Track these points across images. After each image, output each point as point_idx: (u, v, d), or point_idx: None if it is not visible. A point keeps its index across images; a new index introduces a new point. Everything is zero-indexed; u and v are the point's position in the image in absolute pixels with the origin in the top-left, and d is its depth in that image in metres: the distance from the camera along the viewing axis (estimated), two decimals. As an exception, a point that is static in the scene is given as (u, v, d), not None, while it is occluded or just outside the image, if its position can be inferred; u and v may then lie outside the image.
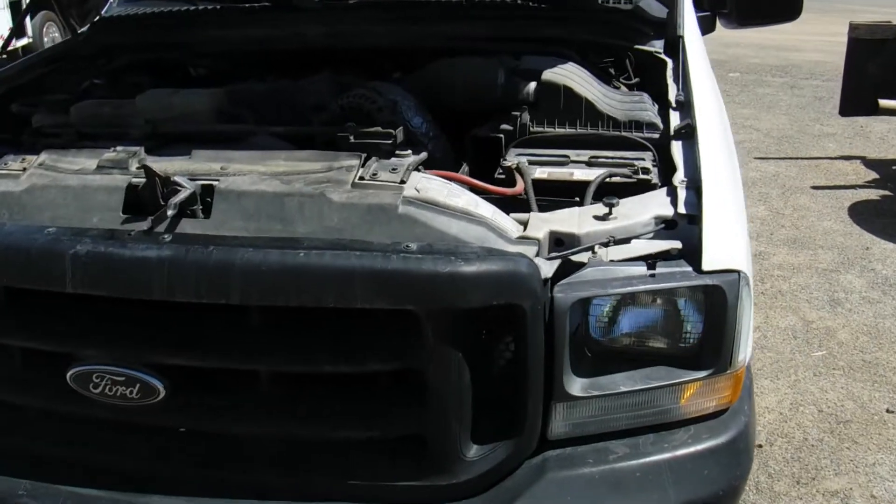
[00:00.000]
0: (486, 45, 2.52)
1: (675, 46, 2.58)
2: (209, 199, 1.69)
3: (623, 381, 1.61)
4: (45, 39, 8.44)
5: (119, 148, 1.83)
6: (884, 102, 5.88)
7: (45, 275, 1.50)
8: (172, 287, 1.44)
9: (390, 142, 1.77)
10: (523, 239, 1.62)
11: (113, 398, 1.57)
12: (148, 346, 1.54)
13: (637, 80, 2.48)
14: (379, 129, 1.79)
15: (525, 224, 1.68)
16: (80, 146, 1.91)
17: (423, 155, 1.78)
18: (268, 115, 2.18)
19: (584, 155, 2.00)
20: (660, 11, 2.67)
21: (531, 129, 2.12)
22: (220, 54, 2.73)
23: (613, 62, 2.51)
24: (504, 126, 2.14)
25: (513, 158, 1.97)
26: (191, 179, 1.70)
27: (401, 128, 1.79)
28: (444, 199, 1.63)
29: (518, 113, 2.13)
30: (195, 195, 1.67)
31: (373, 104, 2.13)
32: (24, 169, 1.84)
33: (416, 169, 1.72)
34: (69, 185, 1.76)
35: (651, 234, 1.68)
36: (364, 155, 1.74)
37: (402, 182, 1.65)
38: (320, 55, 2.67)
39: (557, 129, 2.12)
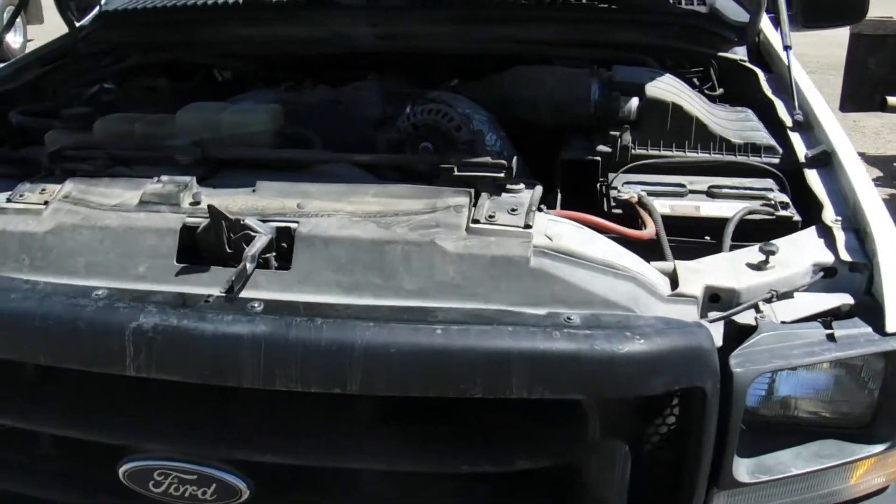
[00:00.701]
0: (557, 51, 2.23)
1: (758, 54, 2.33)
2: (285, 245, 1.39)
3: (792, 462, 1.36)
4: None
5: (165, 178, 1.50)
6: (892, 100, 5.75)
7: (98, 355, 1.18)
8: (270, 374, 1.13)
9: (503, 174, 1.47)
10: (678, 297, 1.35)
11: (181, 499, 1.27)
12: (230, 441, 1.23)
13: (721, 91, 2.22)
14: (489, 158, 1.50)
15: (671, 276, 1.40)
16: (114, 174, 1.58)
17: (539, 189, 1.49)
18: (324, 133, 1.87)
19: (702, 183, 1.74)
20: (736, 14, 2.40)
21: (633, 151, 1.84)
22: (247, 56, 2.39)
23: (695, 71, 2.24)
24: (601, 148, 1.86)
25: (623, 188, 1.69)
26: (262, 220, 1.39)
27: (515, 157, 1.50)
28: (582, 248, 1.35)
29: (618, 133, 1.85)
30: (272, 242, 1.37)
31: (450, 121, 1.83)
32: (47, 203, 1.51)
33: (538, 208, 1.43)
34: (107, 226, 1.43)
35: (806, 286, 1.43)
36: (472, 191, 1.44)
37: (528, 226, 1.36)
38: (363, 58, 2.35)
39: (663, 152, 1.84)
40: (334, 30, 2.33)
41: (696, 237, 1.62)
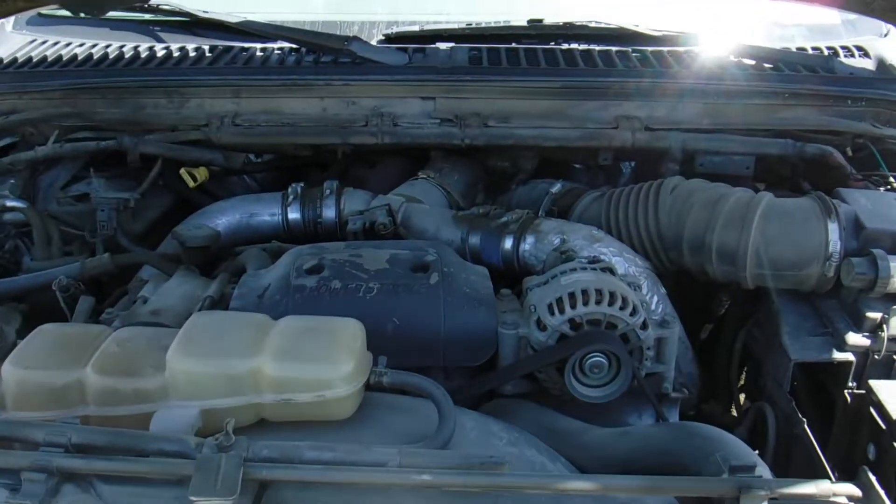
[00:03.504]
0: (704, 142, 1.52)
1: None
2: None
3: None
4: None
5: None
6: None
7: None
8: None
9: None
10: None
11: None
12: None
13: None
14: (828, 483, 0.78)
15: None
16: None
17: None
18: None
19: None
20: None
21: None
22: (232, 146, 1.56)
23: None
24: (855, 341, 1.17)
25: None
26: None
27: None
28: None
29: (877, 315, 1.17)
30: None
31: (632, 314, 1.09)
32: None
33: None
34: None
35: None
36: None
37: None
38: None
39: None
40: (366, 105, 1.53)
41: None
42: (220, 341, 0.92)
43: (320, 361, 0.89)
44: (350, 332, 0.94)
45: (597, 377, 1.10)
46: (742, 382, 1.48)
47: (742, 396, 1.48)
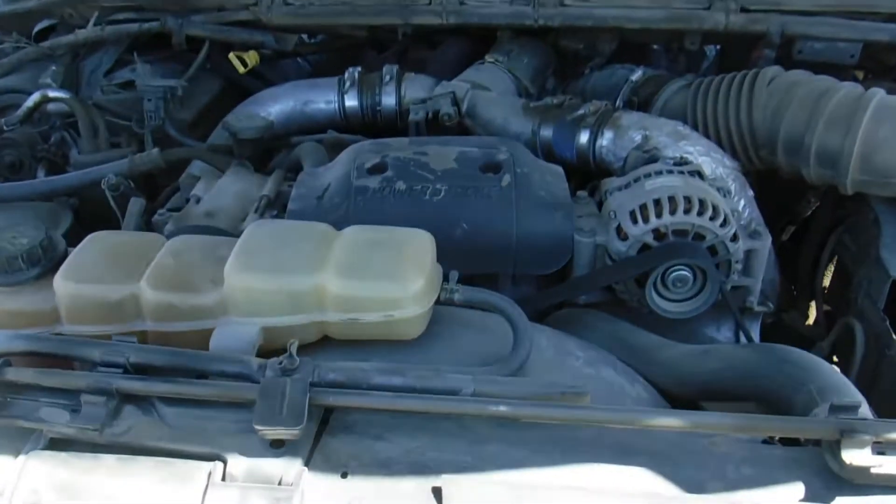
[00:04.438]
0: (803, 26, 1.35)
1: None
2: None
3: None
4: None
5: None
6: None
7: None
8: None
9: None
10: None
11: None
12: None
13: None
14: None
15: None
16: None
17: None
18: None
19: None
20: None
21: None
22: (282, 27, 1.44)
23: None
24: None
25: None
26: None
27: None
28: None
29: None
30: None
31: (723, 224, 0.99)
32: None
33: None
34: None
35: None
36: None
37: None
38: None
39: None
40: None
41: None
42: (279, 255, 0.85)
43: (388, 279, 0.82)
44: (420, 246, 0.86)
45: (680, 291, 1.02)
46: (825, 291, 1.39)
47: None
